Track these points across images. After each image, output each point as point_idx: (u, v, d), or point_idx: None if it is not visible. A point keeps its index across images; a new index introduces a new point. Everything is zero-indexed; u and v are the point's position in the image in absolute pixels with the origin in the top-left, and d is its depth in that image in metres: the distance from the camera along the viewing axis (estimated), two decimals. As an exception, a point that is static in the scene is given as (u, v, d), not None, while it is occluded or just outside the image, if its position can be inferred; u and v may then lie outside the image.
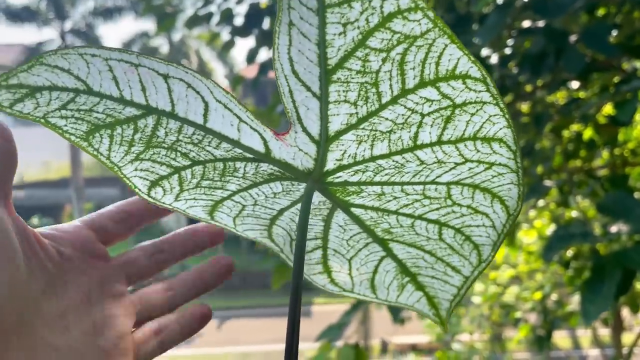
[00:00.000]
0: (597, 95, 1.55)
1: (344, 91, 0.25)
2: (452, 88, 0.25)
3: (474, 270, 0.32)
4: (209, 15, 1.98)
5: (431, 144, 0.27)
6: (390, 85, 0.25)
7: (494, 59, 1.80)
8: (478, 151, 0.27)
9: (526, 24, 1.63)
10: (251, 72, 2.38)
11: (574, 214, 2.52)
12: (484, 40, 1.33)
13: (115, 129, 0.26)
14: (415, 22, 0.24)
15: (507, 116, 0.27)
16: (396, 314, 1.35)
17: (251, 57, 1.88)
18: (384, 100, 0.26)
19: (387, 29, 0.24)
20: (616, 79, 1.49)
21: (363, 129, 0.26)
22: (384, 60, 0.25)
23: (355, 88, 0.25)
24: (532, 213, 3.40)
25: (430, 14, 0.24)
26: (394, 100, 0.26)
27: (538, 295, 3.29)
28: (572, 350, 5.91)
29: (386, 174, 0.28)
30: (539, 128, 1.39)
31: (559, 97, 1.90)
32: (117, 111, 0.25)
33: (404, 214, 0.30)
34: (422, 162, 0.28)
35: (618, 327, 2.82)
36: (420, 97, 0.25)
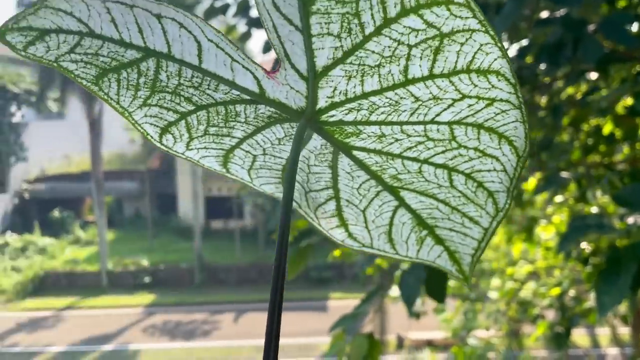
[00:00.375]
0: (617, 86, 1.52)
1: (325, 23, 0.25)
2: (436, 15, 0.24)
3: (492, 220, 0.31)
4: (226, 7, 1.99)
5: (423, 78, 0.26)
6: (372, 14, 0.24)
7: (513, 51, 1.78)
8: (475, 85, 0.26)
9: (545, 14, 1.61)
10: (267, 65, 2.38)
11: (593, 209, 2.49)
12: (500, 29, 1.32)
13: (121, 72, 0.27)
14: None
15: (499, 44, 0.25)
16: (409, 302, 1.35)
17: (267, 47, 1.89)
18: (367, 32, 0.25)
19: None
20: (635, 70, 1.47)
21: (350, 63, 0.26)
22: None
23: (337, 19, 0.24)
24: (550, 209, 3.36)
25: None
26: (377, 31, 0.25)
27: (556, 291, 3.26)
28: (590, 349, 5.83)
29: (382, 113, 0.28)
30: (556, 119, 1.37)
31: (578, 90, 1.88)
32: (120, 54, 0.26)
33: (409, 158, 0.30)
34: (417, 99, 0.27)
35: (638, 325, 2.78)
36: (404, 26, 0.25)
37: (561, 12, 1.38)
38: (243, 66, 0.27)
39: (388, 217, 0.32)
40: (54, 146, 20.41)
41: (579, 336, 5.82)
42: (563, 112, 1.43)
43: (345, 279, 13.61)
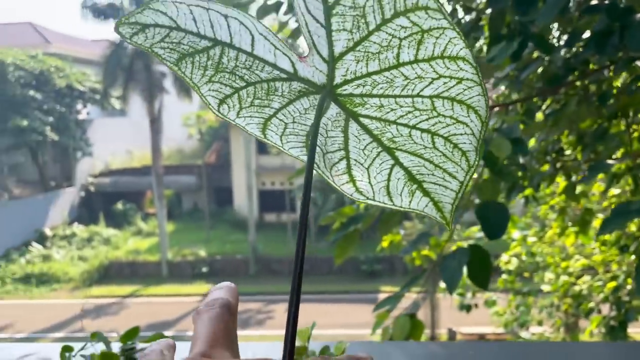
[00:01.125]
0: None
1: (341, 22, 0.35)
2: (418, 17, 0.34)
3: (465, 174, 0.39)
4: (278, 5, 2.08)
5: (410, 62, 0.36)
6: (374, 16, 0.34)
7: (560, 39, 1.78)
8: (448, 68, 0.36)
9: (594, 1, 1.60)
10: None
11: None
12: (545, 20, 1.34)
13: (195, 57, 0.37)
14: None
15: (463, 38, 0.35)
16: (451, 286, 1.39)
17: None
18: (370, 28, 0.35)
19: None
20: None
21: (358, 50, 0.36)
22: None
23: (350, 19, 0.35)
24: (606, 202, 3.29)
25: None
26: (377, 28, 0.35)
27: (612, 285, 3.18)
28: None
29: (381, 88, 0.37)
30: (603, 104, 1.37)
31: (627, 78, 1.85)
32: (196, 43, 0.36)
33: (401, 124, 0.39)
34: (406, 78, 0.37)
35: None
36: (397, 25, 0.34)
37: (607, 1, 1.39)
38: (282, 52, 0.36)
39: (386, 174, 0.41)
40: (117, 142, 21.34)
41: (636, 333, 5.61)
42: (611, 100, 1.43)
43: (396, 272, 13.57)
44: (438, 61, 0.35)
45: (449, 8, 2.09)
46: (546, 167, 2.47)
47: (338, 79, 0.37)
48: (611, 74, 1.75)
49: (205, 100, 0.39)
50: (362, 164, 0.41)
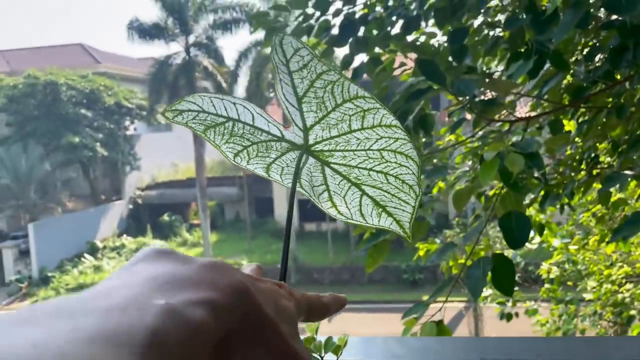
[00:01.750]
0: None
1: (309, 106, 0.50)
2: (359, 102, 0.49)
3: (414, 201, 0.54)
4: (310, 28, 2.20)
5: (359, 129, 0.51)
6: (330, 102, 0.50)
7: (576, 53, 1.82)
8: (386, 132, 0.51)
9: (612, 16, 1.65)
10: (348, 74, 2.57)
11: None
12: (559, 38, 1.40)
13: (215, 128, 0.53)
14: (332, 75, 0.49)
15: (392, 113, 0.50)
16: (475, 294, 1.46)
17: (346, 63, 2.07)
18: (329, 109, 0.50)
19: (321, 79, 0.49)
20: None
21: (322, 123, 0.51)
22: (324, 92, 0.49)
23: (314, 104, 0.50)
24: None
25: (337, 71, 0.48)
26: (333, 109, 0.50)
27: (654, 293, 3.13)
28: None
29: (342, 145, 0.53)
30: (620, 117, 1.42)
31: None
32: (215, 120, 0.52)
33: (361, 167, 0.54)
34: (357, 139, 0.52)
35: None
36: (346, 107, 0.50)
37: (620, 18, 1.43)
38: (273, 124, 0.52)
39: (358, 201, 0.55)
40: (163, 156, 22.03)
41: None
42: (627, 110, 1.48)
43: (438, 281, 13.41)
44: (378, 128, 0.51)
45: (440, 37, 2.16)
46: (582, 176, 2.49)
47: (311, 141, 0.53)
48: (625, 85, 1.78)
49: (224, 154, 0.56)
50: (339, 194, 0.56)
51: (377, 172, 0.53)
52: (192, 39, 17.58)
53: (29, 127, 17.87)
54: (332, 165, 0.54)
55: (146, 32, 17.29)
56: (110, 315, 0.25)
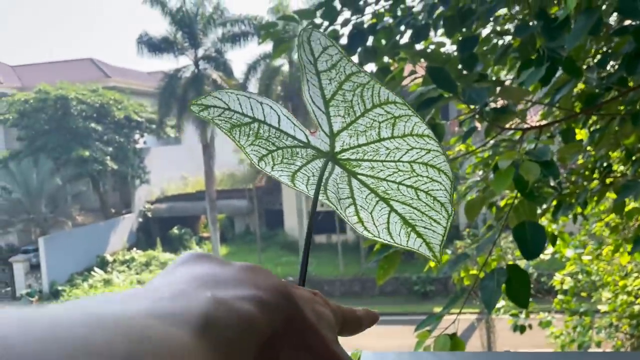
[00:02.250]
0: None
1: (336, 110, 0.47)
2: (390, 108, 0.46)
3: (447, 221, 0.50)
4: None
5: (388, 138, 0.47)
6: (359, 107, 0.46)
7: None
8: (417, 142, 0.47)
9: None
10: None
11: None
12: (571, 45, 1.38)
13: (241, 128, 0.50)
14: (362, 77, 0.45)
15: (424, 122, 0.46)
16: (489, 306, 1.42)
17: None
18: (357, 115, 0.47)
19: (350, 81, 0.45)
20: None
21: (350, 129, 0.48)
22: (352, 95, 0.46)
23: (342, 108, 0.47)
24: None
25: (367, 74, 0.45)
26: (362, 115, 0.47)
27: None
28: None
29: (370, 155, 0.49)
30: (636, 125, 1.39)
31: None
32: (241, 120, 0.50)
33: (390, 181, 0.50)
34: (387, 148, 0.48)
35: None
36: (375, 113, 0.46)
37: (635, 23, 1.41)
38: (299, 128, 0.49)
39: (385, 218, 0.51)
40: (172, 169, 22.14)
41: None
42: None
43: (450, 293, 13.29)
44: (409, 137, 0.47)
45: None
46: (595, 185, 2.45)
47: (338, 148, 0.50)
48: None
49: (249, 157, 0.53)
50: (366, 209, 0.52)
51: (407, 186, 0.49)
52: (201, 52, 17.72)
53: (39, 142, 18.05)
54: (359, 176, 0.51)
55: (155, 46, 17.47)
56: (161, 302, 0.25)
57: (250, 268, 0.32)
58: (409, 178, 0.49)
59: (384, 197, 0.51)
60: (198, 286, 0.28)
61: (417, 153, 0.47)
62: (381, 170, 0.49)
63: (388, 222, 0.51)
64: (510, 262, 1.72)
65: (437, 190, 0.48)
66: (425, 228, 0.50)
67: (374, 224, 0.52)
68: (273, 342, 0.29)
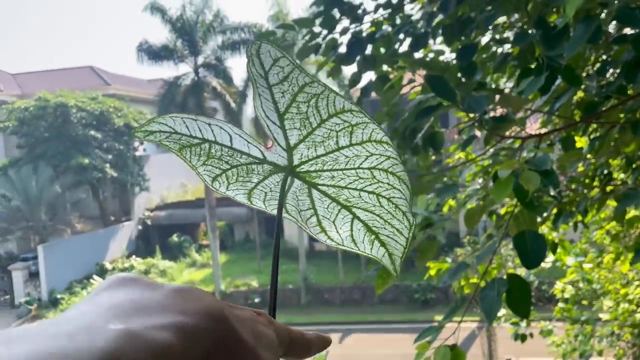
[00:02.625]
0: None
1: (292, 123, 0.46)
2: (347, 116, 0.45)
3: (408, 232, 0.49)
4: (317, 46, 2.19)
5: (347, 146, 0.47)
6: (314, 118, 0.46)
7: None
8: (376, 148, 0.47)
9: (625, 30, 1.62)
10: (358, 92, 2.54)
11: None
12: (570, 53, 1.38)
13: (191, 148, 0.49)
14: (316, 87, 0.44)
15: (381, 128, 0.46)
16: (490, 316, 1.41)
17: (353, 82, 2.06)
18: (313, 126, 0.46)
19: (304, 92, 0.45)
20: None
21: (307, 141, 0.47)
22: (307, 106, 0.45)
23: (297, 120, 0.46)
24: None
25: (321, 83, 0.44)
26: (319, 125, 0.46)
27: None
28: None
29: (329, 165, 0.48)
30: (636, 134, 1.39)
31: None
32: (189, 141, 0.49)
33: (351, 188, 0.49)
34: (346, 156, 0.48)
35: None
36: (332, 122, 0.46)
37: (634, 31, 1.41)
38: (254, 145, 0.48)
39: (349, 226, 0.51)
40: (172, 176, 22.12)
41: None
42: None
43: (450, 301, 13.25)
44: (368, 144, 0.47)
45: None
46: (595, 193, 2.44)
47: (296, 161, 0.49)
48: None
49: (202, 178, 0.51)
50: (328, 218, 0.52)
51: (369, 192, 0.49)
52: (201, 60, 17.76)
53: (39, 149, 18.04)
54: (319, 187, 0.50)
55: (155, 54, 17.50)
56: (54, 342, 0.23)
57: (180, 291, 0.30)
58: (370, 185, 0.48)
59: (346, 205, 0.50)
60: (113, 316, 0.26)
61: (377, 159, 0.47)
62: (342, 179, 0.49)
63: (352, 230, 0.51)
64: (511, 271, 1.71)
65: (398, 198, 0.48)
66: (388, 237, 0.49)
67: (338, 232, 0.51)
68: None
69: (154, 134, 0.48)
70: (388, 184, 0.48)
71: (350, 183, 0.49)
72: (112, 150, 19.00)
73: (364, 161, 0.47)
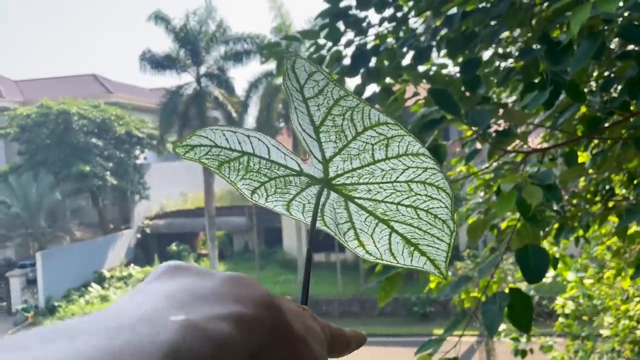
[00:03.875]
0: None
1: (327, 135, 0.47)
2: (382, 129, 0.45)
3: (450, 238, 0.49)
4: (321, 58, 2.20)
5: (383, 159, 0.47)
6: (350, 131, 0.46)
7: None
8: (413, 161, 0.47)
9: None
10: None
11: None
12: (575, 69, 1.38)
13: (230, 163, 0.49)
14: (351, 101, 0.45)
15: (419, 141, 0.46)
16: (491, 330, 1.40)
17: (357, 94, 2.07)
18: (349, 138, 0.47)
19: (339, 105, 0.45)
20: None
21: (343, 154, 0.48)
22: (342, 119, 0.46)
23: (333, 133, 0.46)
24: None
25: (356, 97, 0.45)
26: (354, 138, 0.46)
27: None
28: None
29: (365, 178, 0.48)
30: (638, 150, 1.39)
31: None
32: (229, 155, 0.49)
33: (388, 202, 0.49)
34: (382, 170, 0.48)
35: None
36: (368, 135, 0.46)
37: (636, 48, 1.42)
38: (290, 157, 0.49)
39: (387, 239, 0.50)
40: (172, 185, 22.12)
41: None
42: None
43: (450, 315, 13.18)
44: (404, 157, 0.47)
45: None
46: (597, 208, 2.44)
47: (332, 174, 0.49)
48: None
49: (241, 192, 0.52)
50: (365, 232, 0.51)
51: (406, 206, 0.49)
52: (203, 69, 17.84)
53: (40, 156, 18.06)
54: (356, 200, 0.50)
55: (158, 63, 17.59)
56: (118, 335, 0.22)
57: (233, 279, 0.29)
58: (407, 198, 0.48)
59: (384, 219, 0.50)
60: (169, 306, 0.25)
61: (414, 172, 0.47)
62: (378, 192, 0.49)
63: (390, 243, 0.50)
64: (512, 285, 1.71)
65: (437, 207, 0.48)
66: (428, 246, 0.49)
67: (375, 246, 0.51)
68: (259, 357, 0.28)
69: (194, 149, 0.48)
70: (426, 195, 0.48)
71: (387, 196, 0.49)
72: (113, 158, 19.01)
73: (400, 174, 0.48)
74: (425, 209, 0.48)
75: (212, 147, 0.48)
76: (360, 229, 0.51)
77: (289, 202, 0.52)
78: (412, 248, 0.50)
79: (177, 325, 0.24)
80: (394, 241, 0.50)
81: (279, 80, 17.24)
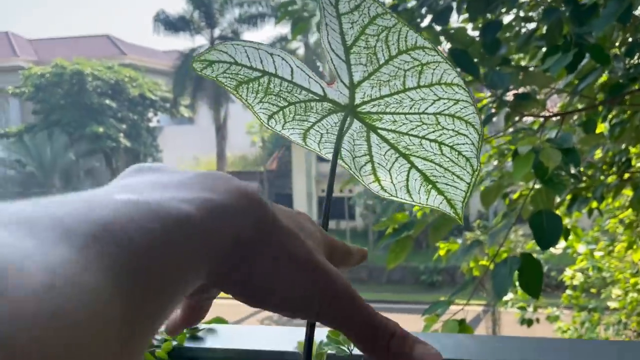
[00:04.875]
0: None
1: (358, 58, 0.44)
2: (417, 54, 0.42)
3: (471, 177, 0.46)
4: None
5: (414, 88, 0.44)
6: (382, 53, 0.43)
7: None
8: (445, 92, 0.44)
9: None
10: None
11: None
12: (599, 30, 1.35)
13: (249, 84, 0.47)
14: (388, 19, 0.41)
15: (455, 69, 0.42)
16: (500, 293, 1.41)
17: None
18: (380, 62, 0.43)
19: (374, 24, 0.42)
20: None
21: (372, 79, 0.45)
22: (376, 40, 0.42)
23: (364, 56, 0.43)
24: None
25: (394, 16, 0.41)
26: (386, 62, 0.43)
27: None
28: None
29: (392, 107, 0.46)
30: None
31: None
32: (249, 74, 0.46)
33: (412, 135, 0.47)
34: (412, 99, 0.45)
35: None
36: (401, 60, 0.43)
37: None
38: (315, 80, 0.45)
39: (405, 175, 0.48)
40: (184, 149, 22.19)
41: None
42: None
43: (457, 283, 13.27)
44: (437, 87, 0.43)
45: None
46: (612, 179, 2.41)
47: (358, 100, 0.46)
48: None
49: (257, 116, 0.49)
50: (384, 167, 0.49)
51: (431, 140, 0.46)
52: (217, 32, 17.67)
53: (54, 116, 18.16)
54: (379, 131, 0.47)
55: (172, 24, 17.44)
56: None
57: (209, 173, 0.27)
58: (434, 132, 0.45)
59: (405, 153, 0.47)
60: (119, 191, 0.23)
61: (445, 104, 0.44)
62: (404, 124, 0.46)
63: (407, 180, 0.48)
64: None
65: (463, 144, 0.45)
66: (447, 185, 0.47)
67: (392, 182, 0.49)
68: (246, 254, 0.25)
69: (212, 65, 0.45)
70: (453, 130, 0.45)
71: (412, 129, 0.46)
72: (127, 120, 19.07)
73: (430, 106, 0.45)
74: (450, 144, 0.46)
75: (232, 65, 0.45)
76: (379, 163, 0.49)
77: (306, 130, 0.49)
78: (429, 186, 0.48)
79: (119, 202, 0.21)
80: (412, 177, 0.48)
81: (293, 45, 17.05)
